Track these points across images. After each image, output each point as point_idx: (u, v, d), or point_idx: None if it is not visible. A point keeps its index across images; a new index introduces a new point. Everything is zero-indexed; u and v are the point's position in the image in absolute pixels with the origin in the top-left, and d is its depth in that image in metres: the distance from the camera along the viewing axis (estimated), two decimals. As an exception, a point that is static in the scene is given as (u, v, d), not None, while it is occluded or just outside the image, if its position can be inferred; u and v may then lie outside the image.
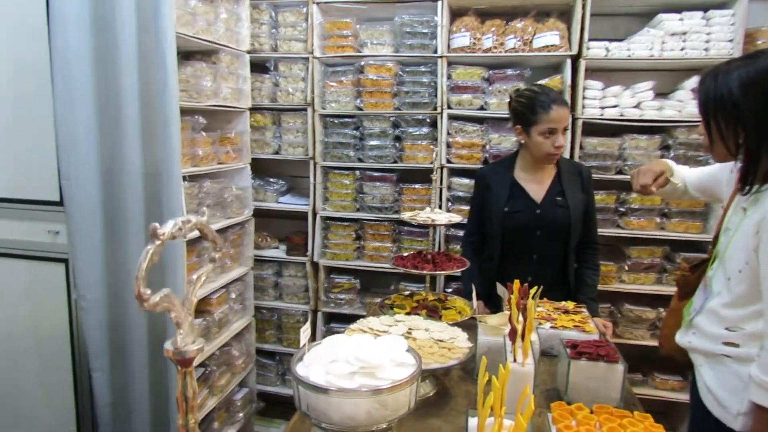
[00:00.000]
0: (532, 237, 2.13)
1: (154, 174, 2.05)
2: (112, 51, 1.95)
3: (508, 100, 2.73)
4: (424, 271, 1.88)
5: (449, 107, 2.85)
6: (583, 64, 2.62)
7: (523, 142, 2.14)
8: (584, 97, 2.67)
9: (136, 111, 2.01)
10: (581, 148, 2.70)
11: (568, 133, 2.44)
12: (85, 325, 2.10)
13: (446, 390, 1.52)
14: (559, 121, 2.03)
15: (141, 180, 2.05)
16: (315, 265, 3.13)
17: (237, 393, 2.89)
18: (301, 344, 1.15)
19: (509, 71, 2.80)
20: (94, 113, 1.99)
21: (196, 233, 0.50)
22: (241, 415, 2.89)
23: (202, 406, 2.47)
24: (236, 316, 2.81)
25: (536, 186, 2.17)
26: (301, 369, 1.09)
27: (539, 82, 2.73)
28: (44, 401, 2.32)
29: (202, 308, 2.51)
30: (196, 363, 0.45)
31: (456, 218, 2.05)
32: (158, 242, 0.38)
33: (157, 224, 0.36)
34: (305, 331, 1.16)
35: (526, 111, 2.07)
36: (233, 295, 2.72)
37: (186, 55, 2.36)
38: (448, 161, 2.87)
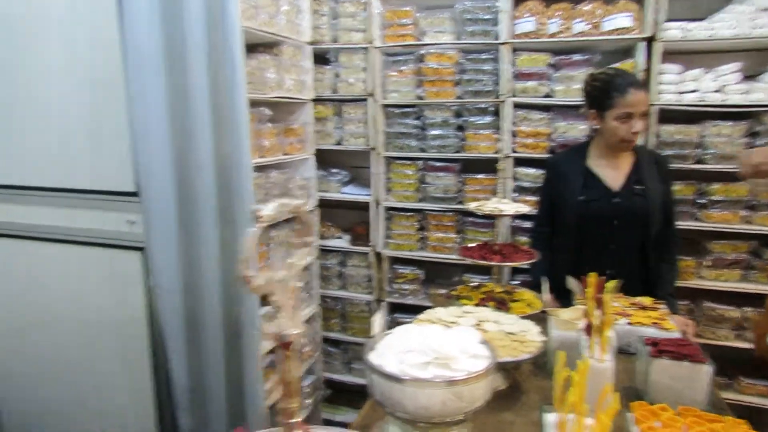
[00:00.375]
0: (609, 227, 2.05)
1: (225, 165, 2.10)
2: (182, 45, 2.00)
3: (575, 86, 2.66)
4: (493, 263, 1.85)
5: (513, 95, 2.78)
6: (658, 47, 2.48)
7: (597, 127, 2.06)
8: (660, 83, 2.53)
9: (207, 103, 2.05)
10: (657, 136, 2.57)
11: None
12: (162, 311, 2.18)
13: (517, 384, 1.48)
14: (636, 105, 1.93)
15: (213, 170, 2.10)
16: (378, 256, 3.14)
17: (304, 380, 2.95)
18: (374, 333, 1.15)
19: (577, 56, 2.70)
20: (166, 106, 2.05)
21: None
22: (309, 401, 2.95)
23: (273, 391, 2.53)
24: (303, 305, 2.86)
25: (613, 174, 2.08)
26: (375, 358, 1.08)
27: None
28: (123, 385, 2.42)
29: (273, 301, 2.56)
30: (295, 347, 0.45)
31: (524, 209, 2.00)
32: (261, 224, 0.38)
33: (259, 206, 0.36)
34: (377, 320, 1.16)
35: (601, 94, 1.99)
36: (300, 284, 2.77)
37: (250, 48, 2.40)
38: (513, 151, 2.80)
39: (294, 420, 0.47)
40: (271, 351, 2.52)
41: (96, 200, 2.30)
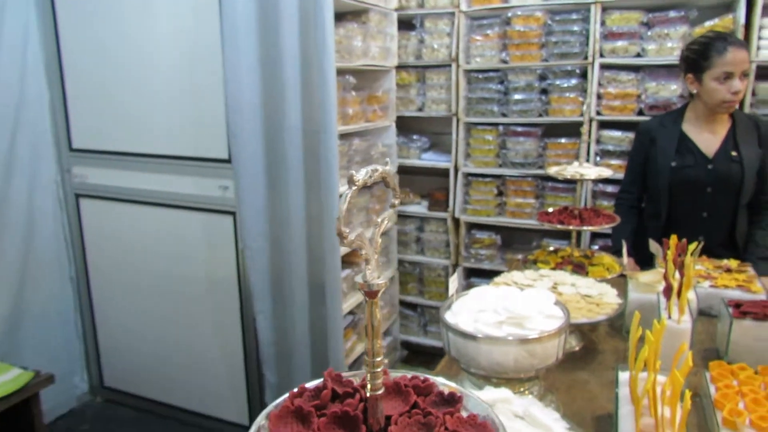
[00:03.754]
0: (702, 194, 2.01)
1: (312, 131, 2.19)
2: (274, 14, 2.08)
3: (669, 45, 2.54)
4: (571, 227, 1.85)
5: (602, 56, 2.69)
6: (760, 0, 2.31)
7: (695, 92, 1.99)
8: (760, 38, 2.37)
9: (297, 72, 2.14)
10: (754, 94, 2.43)
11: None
12: (250, 271, 2.33)
13: (593, 345, 1.50)
14: (735, 64, 1.86)
15: (301, 137, 2.20)
16: (456, 221, 3.18)
17: (382, 341, 3.08)
18: (450, 293, 1.21)
19: (672, 13, 2.57)
20: (258, 75, 2.15)
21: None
22: (386, 361, 3.07)
23: (352, 350, 2.67)
24: (381, 269, 2.96)
25: (708, 140, 2.01)
26: (450, 317, 1.15)
27: (707, 23, 2.48)
28: (215, 339, 2.62)
29: (351, 260, 2.68)
30: (379, 294, 0.52)
31: (606, 172, 1.96)
32: (354, 187, 0.44)
33: (353, 171, 0.43)
34: (454, 281, 1.22)
35: (699, 57, 1.93)
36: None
37: (338, 16, 2.46)
38: (598, 113, 2.73)
39: (377, 358, 0.54)
40: (350, 312, 2.65)
41: (191, 166, 2.47)
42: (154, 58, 2.43)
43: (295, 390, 0.69)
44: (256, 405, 2.62)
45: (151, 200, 2.62)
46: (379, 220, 0.55)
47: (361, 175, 0.46)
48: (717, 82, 1.90)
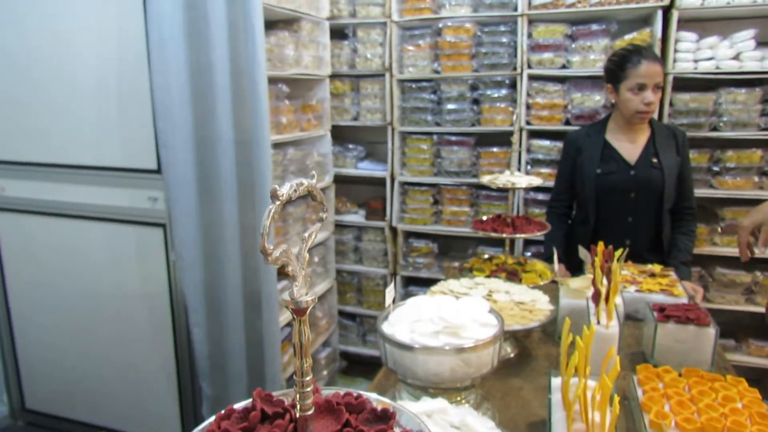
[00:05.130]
0: (626, 199, 2.11)
1: (244, 141, 2.15)
2: (204, 22, 2.03)
3: (592, 57, 2.66)
4: (504, 234, 1.88)
5: (529, 67, 2.77)
6: (675, 15, 2.47)
7: (614, 102, 2.10)
8: (676, 50, 2.52)
9: (227, 80, 2.09)
10: (671, 104, 2.57)
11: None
12: (184, 283, 2.26)
13: (527, 351, 1.53)
14: (648, 77, 1.98)
15: (233, 147, 2.15)
16: (393, 230, 3.19)
17: (321, 352, 3.04)
18: (387, 304, 1.20)
19: (594, 26, 2.69)
20: (188, 83, 2.08)
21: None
22: (325, 372, 3.04)
23: (289, 364, 2.61)
24: (319, 279, 2.93)
25: (629, 148, 2.13)
26: (387, 327, 1.14)
27: (627, 36, 2.61)
28: (146, 355, 2.52)
29: (287, 271, 2.63)
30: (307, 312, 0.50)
31: (536, 181, 2.02)
32: (278, 202, 0.42)
33: (276, 186, 0.41)
34: (390, 292, 1.21)
35: (616, 69, 2.06)
36: (316, 259, 2.84)
37: (269, 24, 2.43)
38: (528, 123, 2.81)
39: (306, 378, 0.52)
40: (288, 324, 2.60)
41: (121, 178, 2.37)
42: (74, 64, 2.32)
43: (222, 412, 0.66)
44: (189, 420, 2.53)
45: (74, 213, 2.50)
46: (306, 235, 0.53)
47: (285, 189, 0.44)
48: (631, 93, 2.01)
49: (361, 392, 0.71)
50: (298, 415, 0.61)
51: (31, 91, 2.43)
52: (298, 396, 0.58)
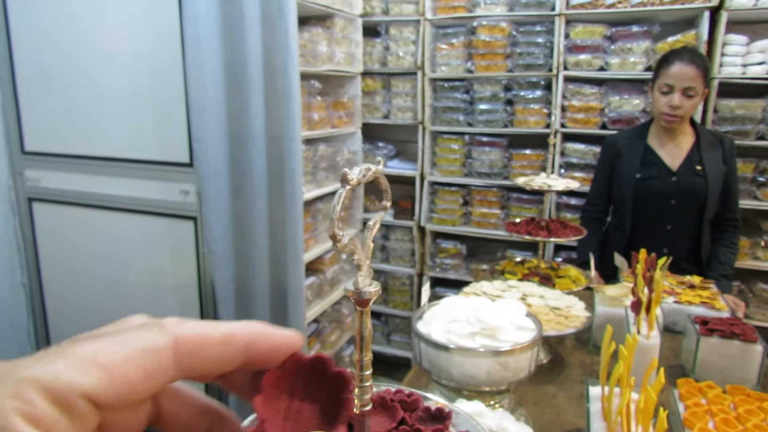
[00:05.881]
0: (666, 206, 2.04)
1: (276, 137, 2.14)
2: (238, 17, 2.03)
3: (631, 59, 2.59)
4: (539, 238, 1.84)
5: (566, 68, 2.72)
6: (724, 16, 2.38)
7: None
8: (723, 54, 2.43)
9: (260, 76, 2.09)
10: (715, 111, 2.48)
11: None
12: (214, 276, 2.27)
13: (560, 358, 1.49)
14: (676, 78, 1.90)
15: (264, 143, 2.15)
16: (422, 230, 3.16)
17: (346, 349, 3.03)
18: (422, 303, 1.18)
19: (635, 28, 2.62)
20: (221, 78, 2.09)
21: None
22: (349, 370, 3.02)
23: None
24: (346, 276, 2.91)
25: (672, 153, 2.05)
26: (422, 327, 1.11)
27: (670, 38, 2.54)
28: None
29: (315, 267, 2.63)
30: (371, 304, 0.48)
31: (573, 184, 1.96)
32: (348, 186, 0.40)
33: (347, 170, 0.39)
34: (426, 291, 1.18)
35: (656, 67, 2.00)
36: (344, 256, 2.82)
37: (302, 20, 2.42)
38: (563, 126, 2.76)
39: (366, 372, 0.50)
40: (314, 321, 2.59)
41: (153, 170, 2.38)
42: (111, 57, 2.34)
43: None
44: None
45: (107, 204, 2.52)
46: (371, 223, 0.50)
47: (354, 173, 0.41)
48: (660, 93, 1.96)
49: (413, 390, 0.68)
50: (356, 411, 0.59)
51: (68, 85, 2.46)
52: (357, 390, 0.56)
